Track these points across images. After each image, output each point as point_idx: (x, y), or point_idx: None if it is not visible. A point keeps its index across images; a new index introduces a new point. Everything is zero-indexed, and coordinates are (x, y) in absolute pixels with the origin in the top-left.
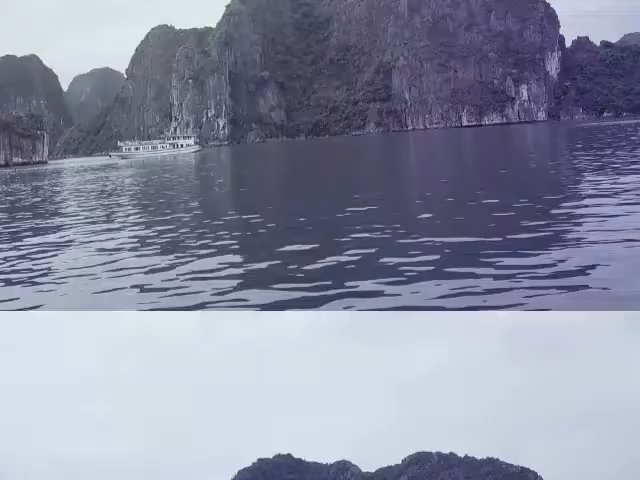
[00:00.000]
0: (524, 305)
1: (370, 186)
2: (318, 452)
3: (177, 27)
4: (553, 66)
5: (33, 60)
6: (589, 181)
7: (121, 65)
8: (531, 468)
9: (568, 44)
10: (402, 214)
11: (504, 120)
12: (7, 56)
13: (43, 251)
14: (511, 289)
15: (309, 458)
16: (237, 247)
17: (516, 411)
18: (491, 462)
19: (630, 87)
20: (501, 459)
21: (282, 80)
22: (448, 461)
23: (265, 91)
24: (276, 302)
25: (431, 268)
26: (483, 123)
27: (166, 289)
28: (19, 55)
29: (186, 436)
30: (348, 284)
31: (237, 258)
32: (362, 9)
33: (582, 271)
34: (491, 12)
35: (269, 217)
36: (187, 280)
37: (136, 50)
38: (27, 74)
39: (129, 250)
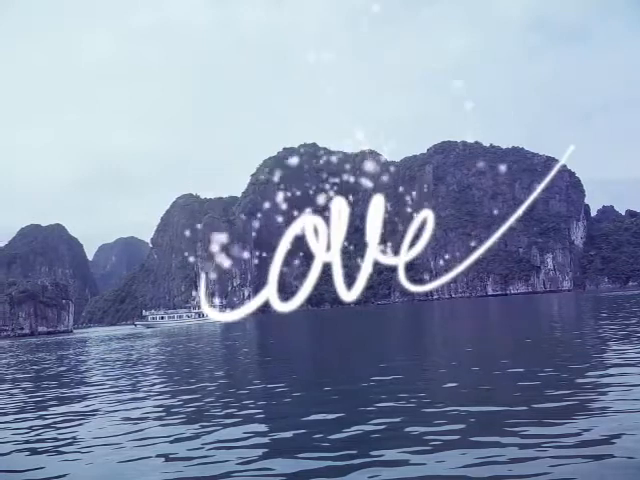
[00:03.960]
0: (549, 474)
1: (395, 355)
2: (342, 142)
3: (202, 196)
4: (578, 235)
5: (58, 229)
6: (614, 350)
7: (146, 234)
8: (556, 157)
9: (593, 213)
10: (427, 383)
11: (529, 289)
12: (32, 225)
13: (68, 420)
14: (536, 458)
15: (333, 147)
16: (262, 416)
17: (542, 99)
18: (516, 151)
19: None
20: (526, 148)
21: (307, 249)
22: (474, 150)
23: (290, 260)
24: (301, 471)
25: (456, 437)
26: (508, 292)
27: (191, 458)
28: (44, 224)
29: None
30: (373, 453)
31: (262, 427)
32: (387, 178)
33: (607, 440)
34: (516, 181)
35: (294, 386)
36: (212, 449)
37: (161, 219)
38: (52, 243)
39: (154, 419)
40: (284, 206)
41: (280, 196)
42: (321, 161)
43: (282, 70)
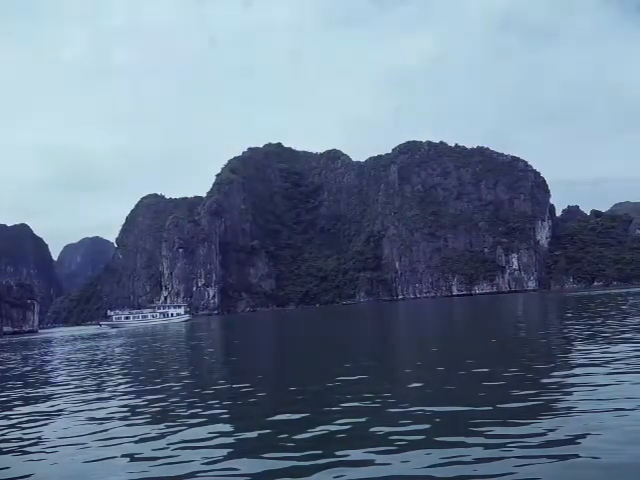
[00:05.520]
0: (514, 474)
1: (361, 355)
2: (308, 142)
3: (167, 196)
4: (543, 235)
5: (23, 229)
6: (579, 350)
7: (112, 234)
8: (521, 157)
9: (558, 213)
10: (392, 383)
11: (494, 289)
12: None
13: (33, 420)
14: (501, 458)
15: (299, 147)
16: (227, 416)
17: (507, 101)
18: (481, 152)
19: (620, 256)
20: (492, 148)
21: (272, 249)
22: (438, 150)
23: (255, 260)
24: (266, 472)
25: (421, 437)
26: (473, 292)
27: (156, 458)
28: (9, 224)
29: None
30: (339, 453)
31: (227, 427)
32: (352, 178)
33: (572, 440)
34: (481, 182)
35: (259, 386)
36: (177, 449)
37: (126, 219)
38: (17, 243)
39: (119, 419)
40: (249, 206)
41: (245, 196)
42: (286, 161)
43: (250, 70)
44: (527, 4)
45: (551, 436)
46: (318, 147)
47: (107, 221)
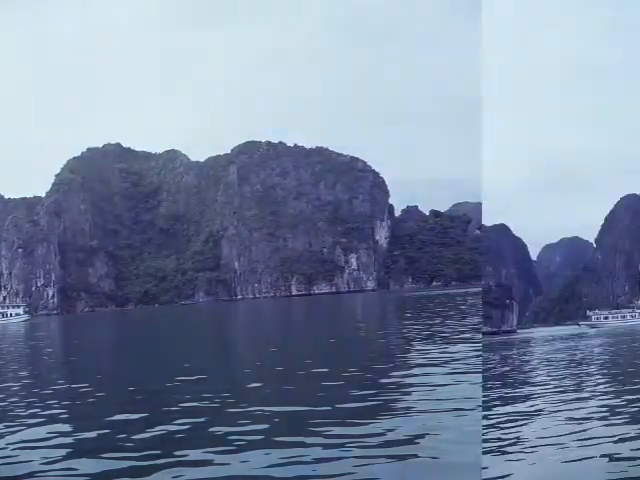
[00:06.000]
0: (353, 475)
1: (201, 355)
2: (147, 142)
3: (6, 196)
4: (382, 235)
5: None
6: (418, 350)
7: None
8: (360, 157)
9: (398, 213)
10: (232, 383)
11: (333, 289)
12: None
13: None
14: (340, 458)
15: (138, 147)
16: (66, 416)
17: (348, 101)
18: (320, 152)
19: (459, 256)
20: (331, 149)
21: (111, 249)
22: (277, 150)
23: (94, 260)
24: (105, 472)
25: (261, 437)
26: (312, 292)
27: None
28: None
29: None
30: (178, 453)
31: (66, 427)
32: (191, 178)
33: (411, 440)
34: (320, 182)
35: (99, 386)
36: (16, 449)
37: (605, 219)
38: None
39: (598, 419)
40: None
41: (84, 196)
42: (125, 161)
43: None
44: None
45: (390, 436)
46: (158, 147)
47: None
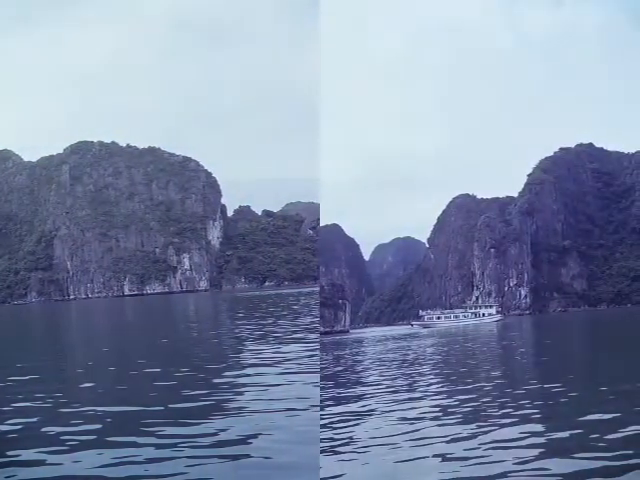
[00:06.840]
0: (185, 475)
1: (33, 355)
2: None
3: (479, 196)
4: (215, 235)
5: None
6: (250, 350)
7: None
8: (193, 157)
9: (230, 213)
10: (64, 383)
11: (166, 289)
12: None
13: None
14: (173, 458)
15: None
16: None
17: (185, 101)
18: (153, 152)
19: (292, 256)
20: (163, 148)
21: (584, 249)
22: (110, 150)
23: (567, 260)
24: None
25: (93, 437)
26: (145, 292)
27: (467, 458)
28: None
29: None
30: (10, 453)
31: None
32: (24, 178)
33: (244, 440)
34: (153, 181)
35: (571, 386)
36: (489, 449)
37: (437, 219)
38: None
39: (431, 419)
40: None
41: (555, 196)
42: None
43: None
44: (206, 3)
45: (222, 436)
46: None
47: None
